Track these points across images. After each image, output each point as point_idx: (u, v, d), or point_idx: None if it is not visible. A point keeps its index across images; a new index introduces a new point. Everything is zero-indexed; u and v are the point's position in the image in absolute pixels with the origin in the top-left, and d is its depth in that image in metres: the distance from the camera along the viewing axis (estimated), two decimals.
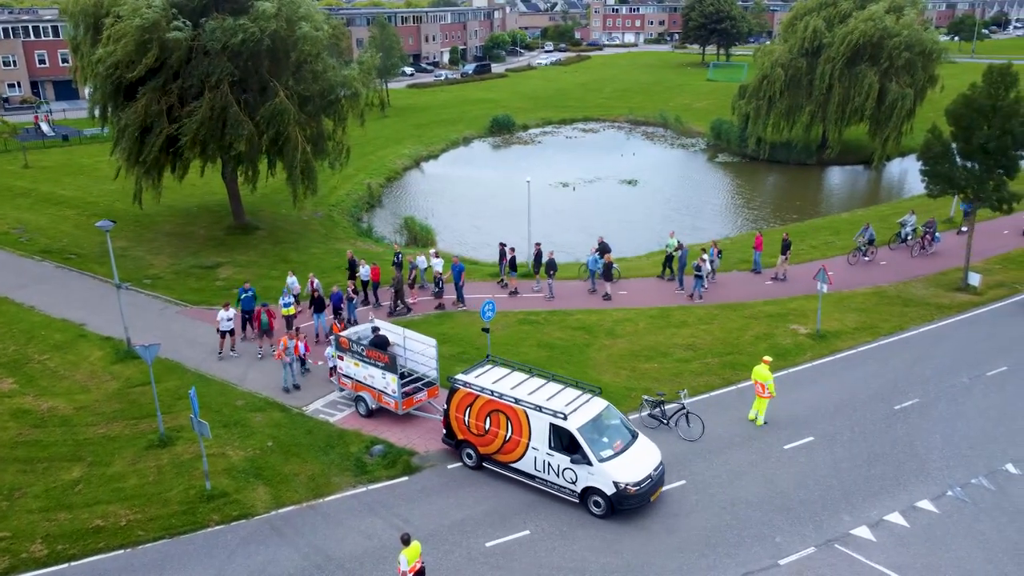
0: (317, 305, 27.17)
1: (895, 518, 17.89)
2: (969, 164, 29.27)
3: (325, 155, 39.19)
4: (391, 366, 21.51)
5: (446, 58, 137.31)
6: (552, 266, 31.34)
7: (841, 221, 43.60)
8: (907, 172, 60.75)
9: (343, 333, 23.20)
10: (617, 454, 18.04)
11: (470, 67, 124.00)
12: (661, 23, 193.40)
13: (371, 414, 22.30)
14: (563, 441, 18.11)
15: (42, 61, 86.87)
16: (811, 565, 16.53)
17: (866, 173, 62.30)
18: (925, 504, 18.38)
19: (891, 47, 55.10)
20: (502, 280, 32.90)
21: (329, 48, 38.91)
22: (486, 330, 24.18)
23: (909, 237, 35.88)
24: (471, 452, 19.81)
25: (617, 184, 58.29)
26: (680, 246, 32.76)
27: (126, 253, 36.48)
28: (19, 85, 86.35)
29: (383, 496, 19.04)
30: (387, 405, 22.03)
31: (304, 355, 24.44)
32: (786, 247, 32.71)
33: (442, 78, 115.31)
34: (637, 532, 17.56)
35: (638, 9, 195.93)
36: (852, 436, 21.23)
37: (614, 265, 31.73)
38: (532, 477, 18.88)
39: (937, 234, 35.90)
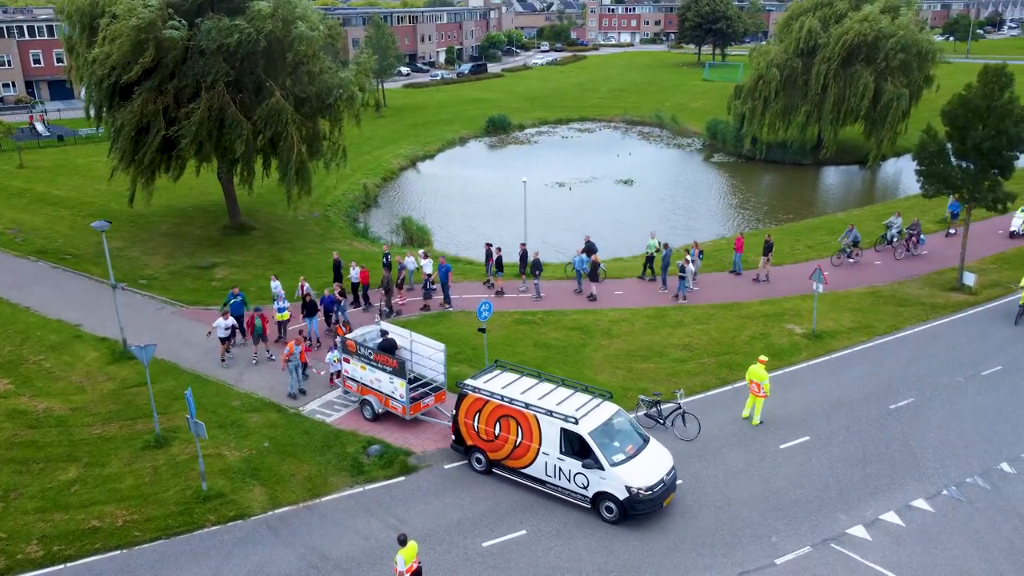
0: (309, 309, 26.78)
1: (891, 517, 17.96)
2: (964, 164, 29.34)
3: (320, 155, 39.17)
4: (400, 371, 21.24)
5: (442, 58, 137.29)
6: (537, 266, 31.31)
7: (837, 221, 43.66)
8: (902, 172, 60.94)
9: (349, 336, 22.93)
10: (629, 458, 17.90)
11: (466, 67, 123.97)
12: (657, 23, 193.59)
13: (377, 418, 22.10)
14: (574, 446, 17.97)
15: (37, 61, 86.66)
16: (807, 564, 16.58)
17: (861, 173, 62.46)
18: (920, 503, 18.44)
19: (887, 48, 55.24)
20: (488, 281, 32.87)
21: (325, 48, 38.83)
22: (482, 330, 24.20)
23: (895, 239, 35.79)
24: (480, 457, 19.66)
25: (613, 184, 58.33)
26: (664, 246, 32.68)
27: (122, 253, 36.41)
28: (14, 85, 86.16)
29: (380, 496, 19.04)
30: (394, 410, 21.80)
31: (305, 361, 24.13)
32: (768, 248, 32.68)
33: (438, 78, 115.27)
34: (633, 532, 17.59)
35: (634, 9, 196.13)
36: (848, 436, 21.29)
37: (600, 265, 31.71)
38: (543, 483, 18.73)
39: (922, 236, 35.79)
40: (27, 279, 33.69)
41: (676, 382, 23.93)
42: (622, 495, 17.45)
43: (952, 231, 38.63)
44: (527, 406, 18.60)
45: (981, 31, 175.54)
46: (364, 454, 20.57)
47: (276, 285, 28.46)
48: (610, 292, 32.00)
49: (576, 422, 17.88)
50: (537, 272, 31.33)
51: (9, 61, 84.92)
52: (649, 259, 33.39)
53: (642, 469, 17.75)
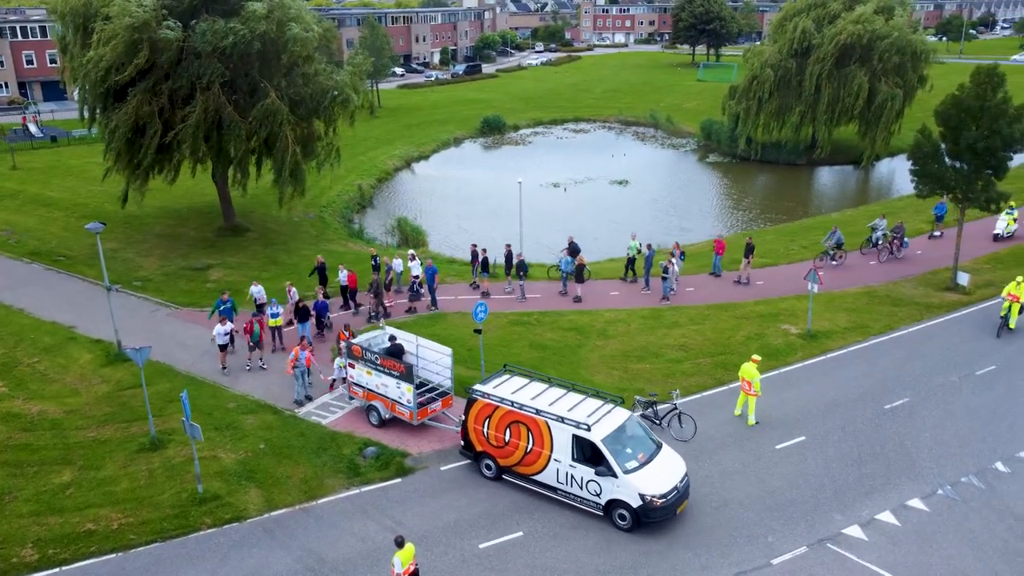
0: (301, 315, 26.42)
1: (886, 517, 18.01)
2: (958, 164, 29.44)
3: (314, 157, 39.11)
4: (407, 375, 21.00)
5: (436, 58, 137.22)
6: (522, 268, 31.30)
7: (831, 221, 43.66)
8: (895, 172, 61.12)
9: (355, 341, 22.64)
10: (642, 465, 17.70)
11: (460, 67, 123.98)
12: (651, 23, 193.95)
13: (383, 424, 21.92)
14: (586, 453, 17.75)
15: (30, 62, 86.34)
16: (803, 565, 16.62)
17: (855, 173, 62.63)
18: (916, 503, 18.49)
19: (881, 50, 55.41)
20: (474, 282, 32.84)
21: (320, 49, 38.78)
22: (478, 331, 24.19)
23: (880, 241, 35.66)
24: (490, 464, 19.45)
25: (608, 185, 58.38)
26: (647, 247, 32.48)
27: (116, 255, 36.29)
28: (6, 86, 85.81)
29: (376, 498, 19.02)
30: (401, 415, 21.53)
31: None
32: (749, 250, 32.62)
33: (432, 79, 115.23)
34: (630, 533, 17.58)
35: (628, 9, 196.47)
36: (843, 436, 21.34)
37: (585, 266, 31.65)
38: (554, 490, 18.51)
39: (906, 239, 35.59)
40: (21, 281, 33.55)
41: (672, 383, 23.96)
42: (635, 503, 17.24)
43: (937, 233, 38.55)
44: (538, 412, 18.34)
45: (974, 31, 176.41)
46: (360, 456, 20.54)
47: (259, 290, 28.09)
48: (599, 293, 32.01)
49: (588, 428, 17.65)
50: (522, 273, 31.33)
51: (2, 62, 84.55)
52: (631, 261, 33.35)
53: (655, 476, 17.53)
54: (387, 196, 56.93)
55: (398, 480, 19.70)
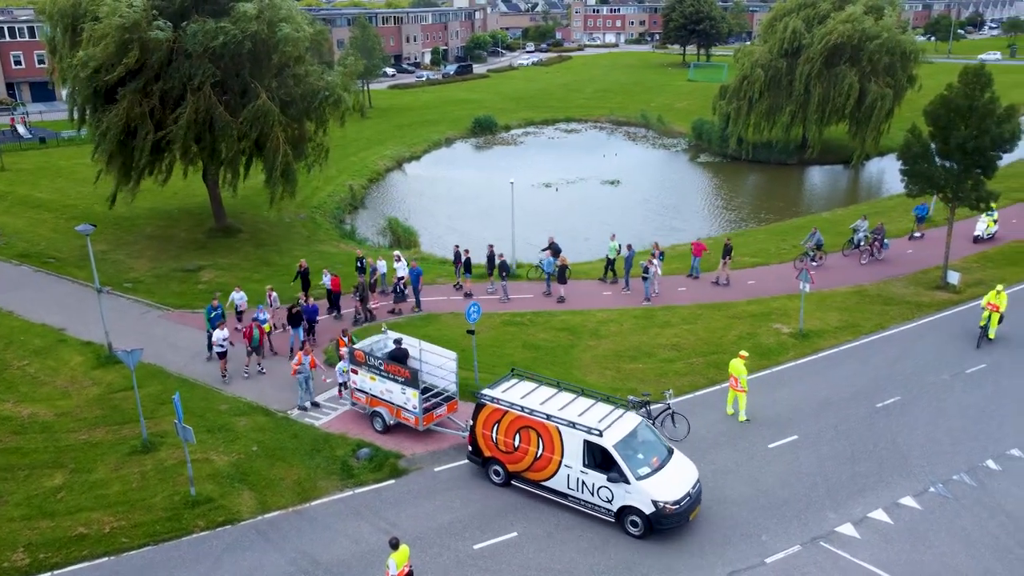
0: (294, 320, 26.07)
1: (879, 515, 18.09)
2: (948, 164, 29.60)
3: (304, 157, 39.00)
4: (412, 381, 20.76)
5: (427, 59, 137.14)
6: (504, 268, 31.30)
7: (822, 220, 43.86)
8: (885, 171, 61.39)
9: (357, 346, 22.31)
10: (654, 471, 17.47)
11: (451, 68, 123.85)
12: (642, 23, 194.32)
13: (388, 430, 21.57)
14: (597, 458, 17.53)
15: (18, 62, 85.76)
16: (797, 563, 16.67)
17: (846, 172, 62.92)
18: (908, 501, 18.58)
19: (871, 50, 55.68)
20: (458, 283, 32.79)
21: (311, 50, 38.69)
22: (471, 332, 24.16)
23: (862, 243, 35.58)
24: (499, 469, 19.15)
25: (599, 185, 58.45)
26: (627, 248, 32.44)
27: (106, 257, 36.10)
28: None
29: (370, 500, 18.98)
30: (406, 421, 21.25)
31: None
32: (727, 252, 32.61)
33: (423, 79, 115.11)
34: (623, 532, 17.59)
35: (619, 9, 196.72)
36: (835, 434, 21.42)
37: (567, 266, 31.62)
38: (565, 496, 18.28)
39: (886, 241, 35.50)
40: (10, 283, 33.32)
41: (665, 382, 24.00)
42: (648, 509, 17.01)
43: (918, 234, 38.59)
44: (549, 417, 18.10)
45: (962, 31, 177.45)
46: (354, 457, 20.49)
47: (241, 297, 27.64)
48: (589, 294, 32.03)
49: (600, 434, 17.42)
50: (504, 274, 31.32)
51: None
52: (610, 262, 33.38)
53: (668, 482, 17.33)
54: (378, 197, 56.82)
55: (392, 481, 19.65)
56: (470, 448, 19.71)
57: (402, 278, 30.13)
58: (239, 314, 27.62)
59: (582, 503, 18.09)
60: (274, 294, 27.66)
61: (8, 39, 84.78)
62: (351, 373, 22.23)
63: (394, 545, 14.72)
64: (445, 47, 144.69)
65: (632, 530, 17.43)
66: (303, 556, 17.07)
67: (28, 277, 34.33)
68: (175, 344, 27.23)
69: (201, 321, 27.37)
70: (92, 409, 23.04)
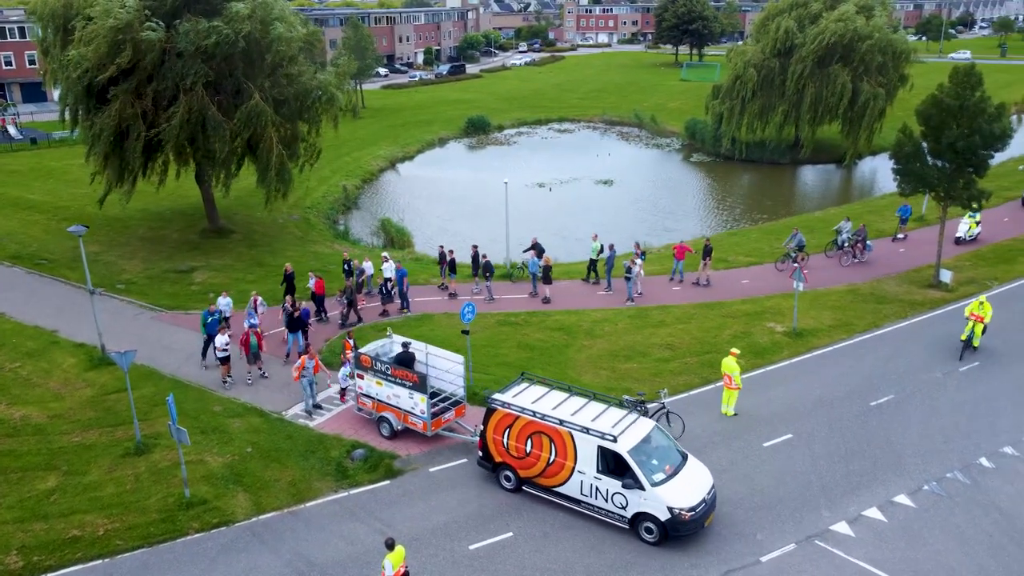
0: (293, 325, 25.88)
1: (873, 513, 18.15)
2: (940, 163, 29.73)
3: (297, 157, 38.91)
4: (420, 385, 20.43)
5: (420, 59, 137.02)
6: (488, 268, 31.30)
7: (815, 219, 44.10)
8: (877, 170, 61.61)
9: (363, 350, 22.10)
10: (669, 477, 17.28)
11: (444, 68, 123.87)
12: (634, 23, 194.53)
13: (395, 435, 21.27)
14: (610, 464, 17.33)
15: (8, 63, 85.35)
16: (792, 562, 16.71)
17: (838, 172, 63.10)
18: (902, 499, 18.65)
19: (863, 50, 55.87)
20: (443, 284, 32.76)
21: (304, 51, 38.59)
22: (466, 332, 24.15)
23: (845, 244, 35.54)
24: (510, 475, 18.94)
25: (593, 184, 58.48)
26: (609, 248, 32.39)
27: (98, 258, 35.94)
28: None
29: (365, 500, 18.94)
30: (414, 426, 20.94)
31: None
32: (707, 252, 32.60)
33: (416, 79, 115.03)
34: (620, 532, 17.62)
35: (611, 9, 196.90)
36: (829, 433, 21.49)
37: (551, 267, 31.58)
38: (578, 502, 18.05)
39: (868, 242, 35.44)
40: (1, 285, 33.10)
41: (659, 382, 24.03)
42: (664, 516, 16.81)
43: (901, 236, 38.68)
44: (562, 422, 17.84)
45: (953, 31, 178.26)
46: (348, 458, 20.44)
47: (227, 303, 27.21)
48: (578, 294, 32.00)
49: (614, 440, 17.19)
50: (488, 274, 31.32)
51: None
52: (593, 262, 33.36)
53: (683, 488, 17.14)
54: (372, 197, 56.73)
55: (387, 482, 19.61)
56: (480, 453, 19.49)
57: (389, 279, 29.98)
58: (226, 320, 27.24)
59: (595, 510, 17.84)
60: (259, 299, 27.39)
61: None
62: (357, 378, 21.91)
63: (390, 546, 14.70)
64: (438, 47, 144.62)
65: (647, 537, 17.22)
66: (298, 557, 17.02)
67: (20, 279, 34.14)
68: (169, 346, 27.13)
69: (194, 322, 27.27)
70: (85, 411, 22.93)
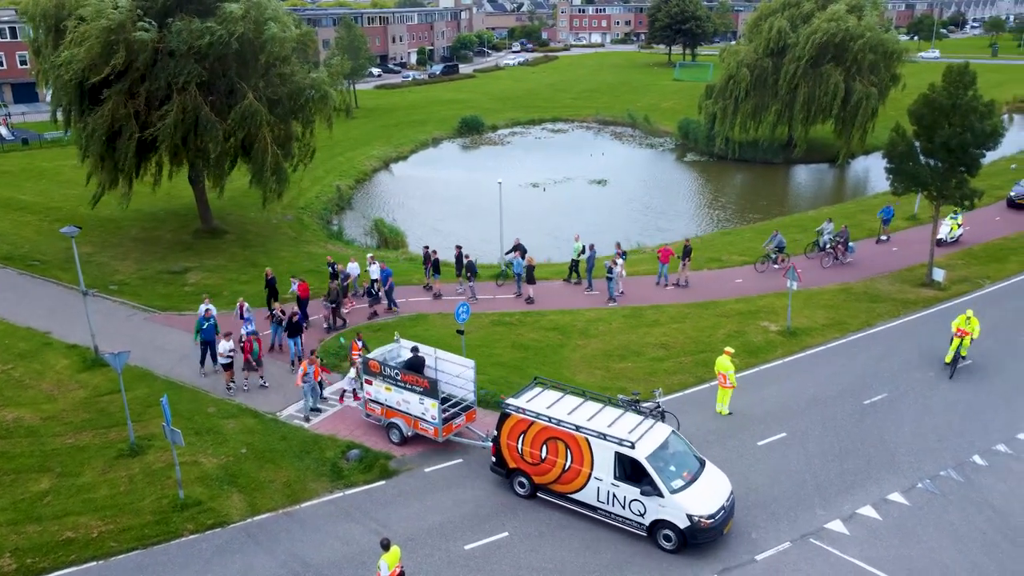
0: (292, 330, 25.73)
1: (867, 511, 18.22)
2: (932, 162, 29.84)
3: (291, 157, 38.83)
4: (431, 390, 20.22)
5: (413, 59, 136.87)
6: (471, 268, 31.32)
7: (807, 219, 44.21)
8: (870, 169, 61.80)
9: (371, 355, 21.84)
10: (688, 484, 17.06)
11: (438, 68, 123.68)
12: (627, 23, 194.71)
13: (405, 442, 21.05)
14: (628, 471, 17.10)
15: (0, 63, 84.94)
16: (787, 560, 16.76)
17: (831, 171, 63.28)
18: (896, 497, 18.72)
19: (856, 49, 56.06)
20: (427, 284, 32.74)
21: (297, 51, 38.52)
22: (461, 332, 24.13)
23: (827, 245, 35.43)
24: (524, 481, 18.69)
25: (586, 184, 58.51)
26: (590, 248, 32.32)
27: (91, 259, 35.78)
28: None
29: (360, 501, 18.91)
30: (424, 432, 20.65)
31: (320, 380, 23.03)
32: (687, 253, 32.63)
33: (410, 79, 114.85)
34: (615, 531, 17.64)
35: (604, 9, 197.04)
36: (823, 431, 21.55)
37: (534, 267, 31.57)
38: (594, 509, 17.84)
39: (851, 244, 35.34)
40: None
41: (654, 381, 24.07)
42: (683, 524, 16.59)
43: (884, 237, 38.71)
44: (578, 428, 17.64)
45: (944, 30, 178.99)
46: (343, 459, 20.41)
47: (211, 308, 26.56)
48: (558, 295, 32.01)
49: (632, 446, 16.96)
50: (471, 274, 31.30)
51: None
52: (574, 263, 33.37)
53: (702, 495, 16.93)
54: (366, 197, 56.65)
55: (382, 482, 19.59)
56: (494, 459, 19.27)
57: (376, 280, 29.87)
58: (223, 333, 26.91)
59: (612, 516, 17.64)
60: (245, 304, 27.19)
61: None
62: (365, 384, 21.67)
63: (385, 546, 14.68)
64: (431, 47, 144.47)
65: (665, 544, 17.01)
66: (293, 558, 16.99)
67: (12, 280, 33.97)
68: (162, 347, 27.04)
69: (188, 323, 27.15)
70: (78, 413, 22.84)
